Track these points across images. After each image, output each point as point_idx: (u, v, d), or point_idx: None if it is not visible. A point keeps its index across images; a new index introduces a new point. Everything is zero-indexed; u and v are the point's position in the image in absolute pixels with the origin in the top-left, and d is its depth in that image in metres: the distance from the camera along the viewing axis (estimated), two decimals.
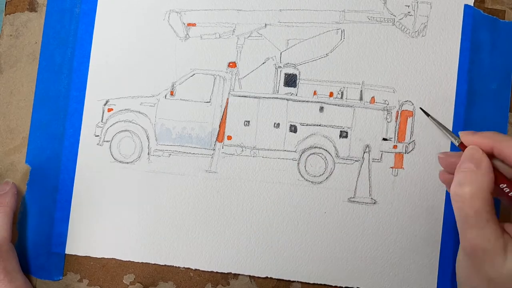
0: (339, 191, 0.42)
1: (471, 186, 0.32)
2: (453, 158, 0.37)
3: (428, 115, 0.42)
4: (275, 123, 0.43)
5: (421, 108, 0.42)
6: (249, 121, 0.43)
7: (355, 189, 0.42)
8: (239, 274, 0.43)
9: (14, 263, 0.41)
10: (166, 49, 0.44)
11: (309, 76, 0.43)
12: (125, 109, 0.44)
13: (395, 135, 0.43)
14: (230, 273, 0.43)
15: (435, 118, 0.41)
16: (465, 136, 0.36)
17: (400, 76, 0.43)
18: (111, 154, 0.44)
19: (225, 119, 0.44)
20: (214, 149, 0.43)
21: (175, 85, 0.44)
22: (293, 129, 0.43)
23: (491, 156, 0.35)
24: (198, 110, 0.44)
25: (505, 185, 0.34)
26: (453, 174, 0.34)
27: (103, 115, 0.44)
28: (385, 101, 0.43)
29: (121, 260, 0.44)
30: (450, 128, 0.42)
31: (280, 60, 0.44)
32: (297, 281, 0.43)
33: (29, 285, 0.42)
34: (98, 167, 0.44)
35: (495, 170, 0.34)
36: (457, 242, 0.41)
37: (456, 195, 0.33)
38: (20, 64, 0.45)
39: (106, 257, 0.44)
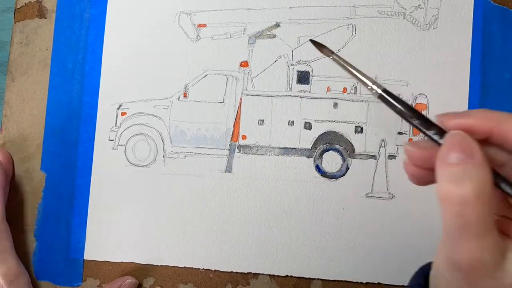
0: (357, 187, 0.42)
1: (472, 183, 0.24)
2: (426, 150, 0.27)
3: (331, 53, 0.31)
4: (289, 121, 0.43)
5: (311, 40, 0.33)
6: (263, 120, 0.43)
7: (372, 184, 0.42)
8: (259, 274, 0.43)
9: (7, 243, 0.41)
10: (177, 51, 0.44)
11: (321, 72, 0.43)
12: (139, 113, 0.44)
13: (410, 129, 0.43)
14: (250, 272, 0.43)
15: (341, 57, 0.31)
16: (447, 120, 0.26)
17: (412, 70, 0.43)
18: (126, 158, 0.44)
19: (239, 118, 0.44)
20: (229, 149, 0.43)
21: (188, 87, 0.44)
22: (308, 126, 0.43)
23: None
24: (212, 110, 0.44)
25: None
26: (424, 168, 0.27)
27: (116, 119, 0.44)
28: (398, 94, 0.43)
29: (140, 264, 0.43)
30: None
31: (292, 58, 0.43)
32: (318, 279, 0.42)
33: (22, 269, 0.41)
34: (113, 172, 0.44)
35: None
36: None
37: (452, 196, 0.24)
38: (31, 71, 0.45)
39: (125, 261, 0.43)
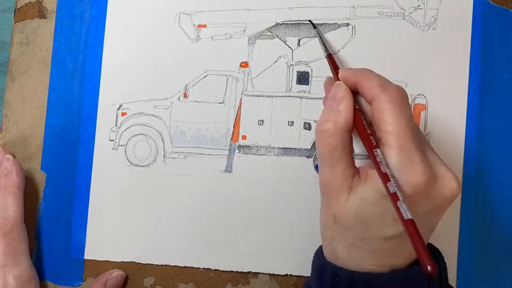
0: None
1: (328, 124, 0.32)
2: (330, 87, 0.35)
3: (315, 27, 0.43)
4: (289, 121, 0.43)
5: (309, 21, 0.43)
6: (263, 120, 0.44)
7: None
8: (259, 273, 0.43)
9: (23, 246, 0.41)
10: (177, 51, 0.44)
11: (321, 73, 0.43)
12: (139, 113, 0.44)
13: None
14: (250, 272, 0.43)
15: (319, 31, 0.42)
16: (341, 72, 0.35)
17: (412, 70, 0.43)
18: (127, 158, 0.44)
19: (239, 119, 0.44)
20: (229, 149, 0.44)
21: (188, 87, 0.44)
22: (307, 126, 0.43)
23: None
24: (212, 111, 0.44)
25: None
26: None
27: (117, 119, 0.44)
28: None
29: (140, 263, 0.44)
30: (464, 122, 0.42)
31: (292, 58, 0.44)
32: None
33: (34, 272, 0.41)
34: (114, 172, 0.44)
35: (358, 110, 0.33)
36: (476, 232, 0.42)
37: (317, 132, 0.33)
38: (31, 72, 0.45)
39: (125, 261, 0.44)
